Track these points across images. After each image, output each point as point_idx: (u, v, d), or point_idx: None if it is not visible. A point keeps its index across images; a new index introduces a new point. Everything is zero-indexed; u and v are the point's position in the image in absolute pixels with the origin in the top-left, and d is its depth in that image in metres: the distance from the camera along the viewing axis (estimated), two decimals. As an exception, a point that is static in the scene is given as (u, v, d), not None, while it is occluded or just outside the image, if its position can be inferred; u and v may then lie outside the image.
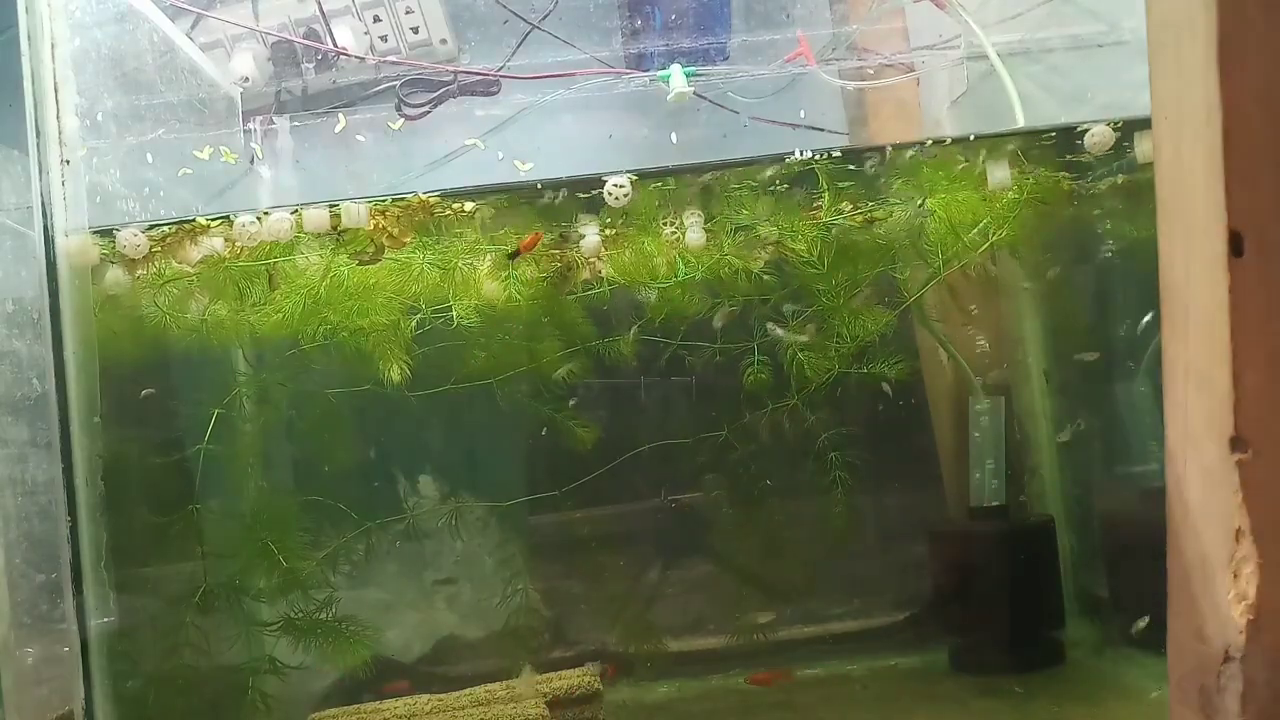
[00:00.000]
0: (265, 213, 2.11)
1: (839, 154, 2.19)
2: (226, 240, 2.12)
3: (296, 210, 2.11)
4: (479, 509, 2.58)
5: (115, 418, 1.99)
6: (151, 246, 2.09)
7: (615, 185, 2.12)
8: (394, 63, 2.58)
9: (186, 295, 2.20)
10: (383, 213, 2.12)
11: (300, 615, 2.35)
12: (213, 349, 2.33)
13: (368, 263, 2.23)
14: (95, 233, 2.01)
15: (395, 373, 2.31)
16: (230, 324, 2.26)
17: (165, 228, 2.11)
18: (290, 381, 2.45)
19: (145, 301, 2.17)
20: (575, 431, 2.52)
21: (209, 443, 2.31)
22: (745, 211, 2.31)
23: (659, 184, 2.24)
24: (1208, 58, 0.92)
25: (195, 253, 2.11)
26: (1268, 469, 0.92)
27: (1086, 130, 2.15)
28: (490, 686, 2.13)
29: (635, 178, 2.15)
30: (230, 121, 2.52)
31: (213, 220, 2.11)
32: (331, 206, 2.11)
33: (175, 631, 2.24)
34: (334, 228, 2.14)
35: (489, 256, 2.28)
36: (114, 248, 2.06)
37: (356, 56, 2.56)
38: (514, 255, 2.24)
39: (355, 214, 2.10)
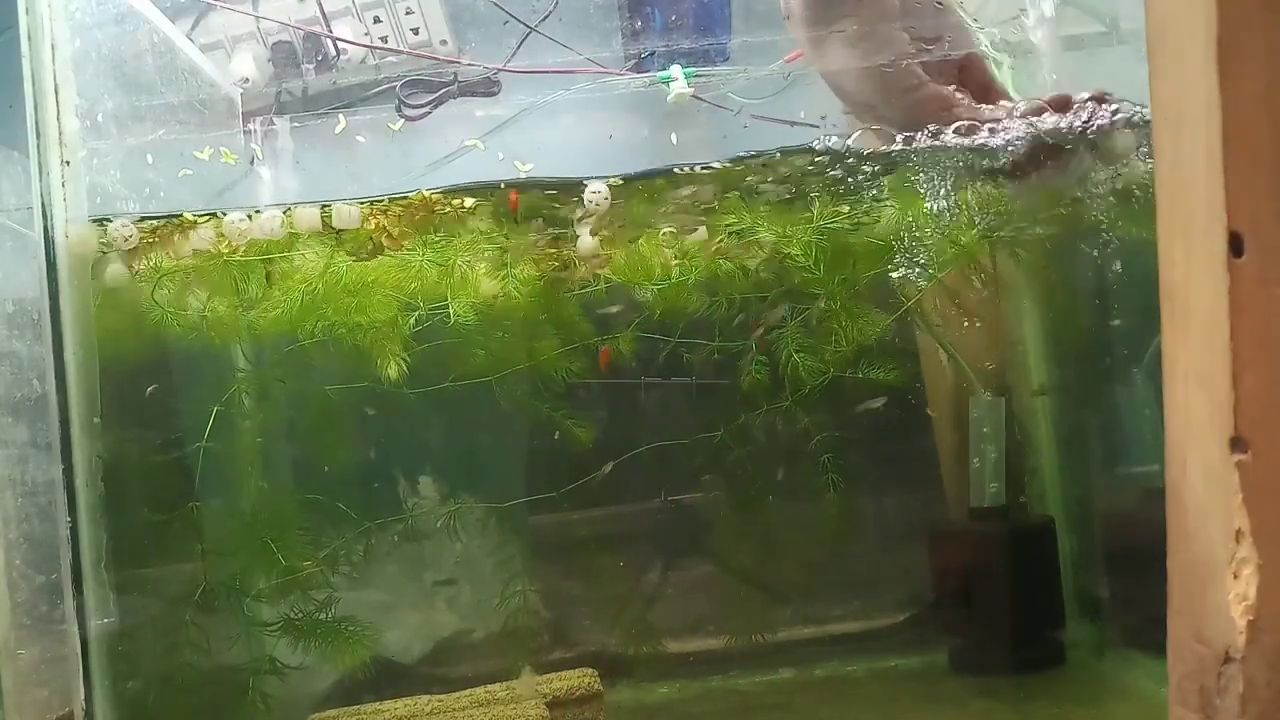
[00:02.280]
0: (256, 211, 2.10)
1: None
2: (220, 235, 2.11)
3: (288, 209, 2.10)
4: (479, 509, 2.58)
5: (115, 416, 1.99)
6: (145, 239, 2.08)
7: (594, 191, 2.12)
8: (395, 52, 2.58)
9: (183, 291, 2.20)
10: (384, 211, 2.12)
11: (300, 616, 2.35)
12: (211, 346, 2.33)
13: (365, 259, 2.22)
14: (93, 220, 2.00)
15: (392, 370, 2.31)
16: (229, 321, 2.26)
17: (155, 222, 2.10)
18: (289, 379, 2.45)
19: (143, 298, 2.16)
20: (574, 431, 2.52)
21: (208, 441, 2.31)
22: (731, 217, 2.31)
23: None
24: (1208, 57, 0.92)
25: (188, 247, 2.10)
26: (1268, 470, 0.92)
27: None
28: (490, 687, 2.13)
29: (621, 181, 2.14)
30: (230, 122, 2.52)
31: (200, 216, 2.10)
32: (324, 207, 2.11)
33: (175, 632, 2.24)
34: (325, 223, 2.13)
35: (486, 254, 2.28)
36: (108, 236, 2.05)
37: (394, 49, 2.56)
38: (512, 216, 2.22)
39: (346, 215, 2.09)
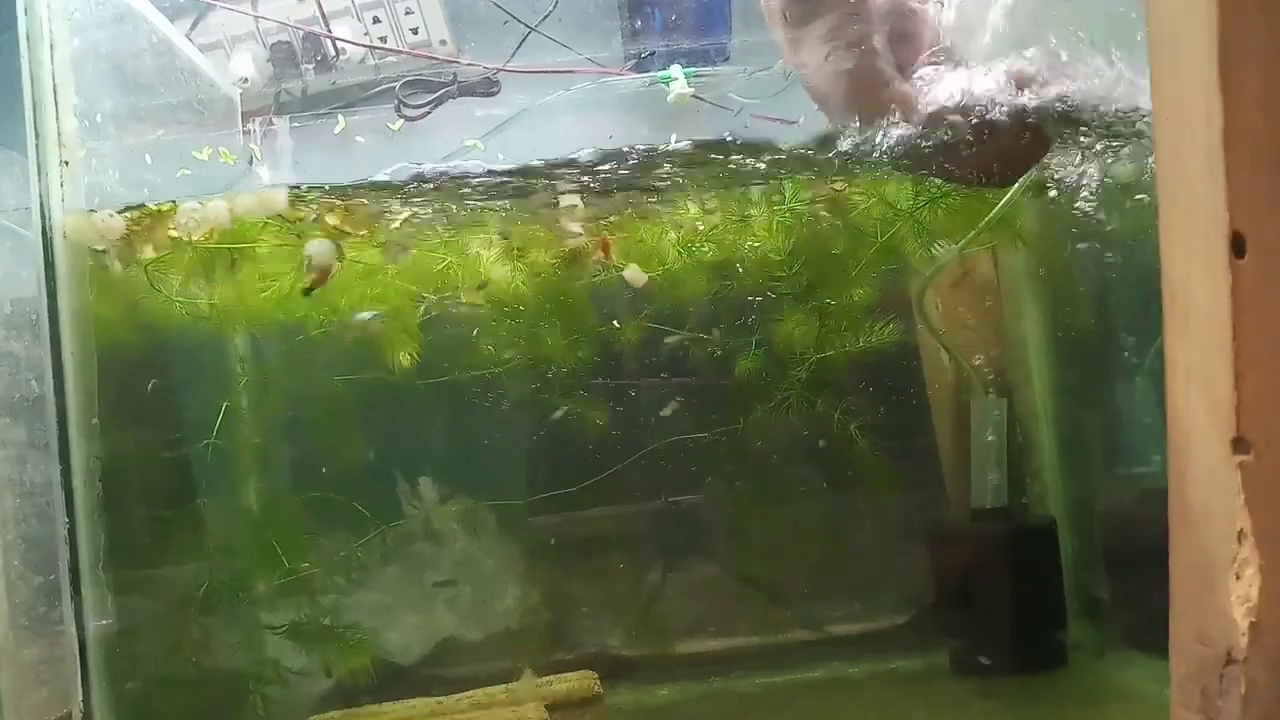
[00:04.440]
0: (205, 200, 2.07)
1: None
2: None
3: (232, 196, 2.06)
4: (498, 508, 2.58)
5: (113, 415, 1.98)
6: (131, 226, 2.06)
7: None
8: (394, 52, 2.58)
9: (184, 282, 2.18)
10: (330, 209, 2.07)
11: (306, 620, 2.35)
12: (213, 340, 2.32)
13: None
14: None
15: (405, 359, 2.30)
16: (236, 313, 2.25)
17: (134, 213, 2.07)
18: (294, 373, 2.44)
19: (135, 291, 2.15)
20: (590, 420, 2.51)
21: (213, 438, 2.30)
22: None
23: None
24: (1208, 58, 0.92)
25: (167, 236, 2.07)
26: (1270, 470, 0.92)
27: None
28: (490, 690, 2.12)
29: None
30: (229, 122, 2.52)
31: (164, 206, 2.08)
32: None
33: (174, 634, 2.23)
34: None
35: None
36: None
37: (394, 49, 2.56)
38: (309, 290, 2.08)
39: (270, 201, 2.03)
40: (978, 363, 2.60)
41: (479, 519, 2.59)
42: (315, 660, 2.36)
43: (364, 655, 2.34)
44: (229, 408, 2.38)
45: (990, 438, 2.52)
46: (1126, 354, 2.52)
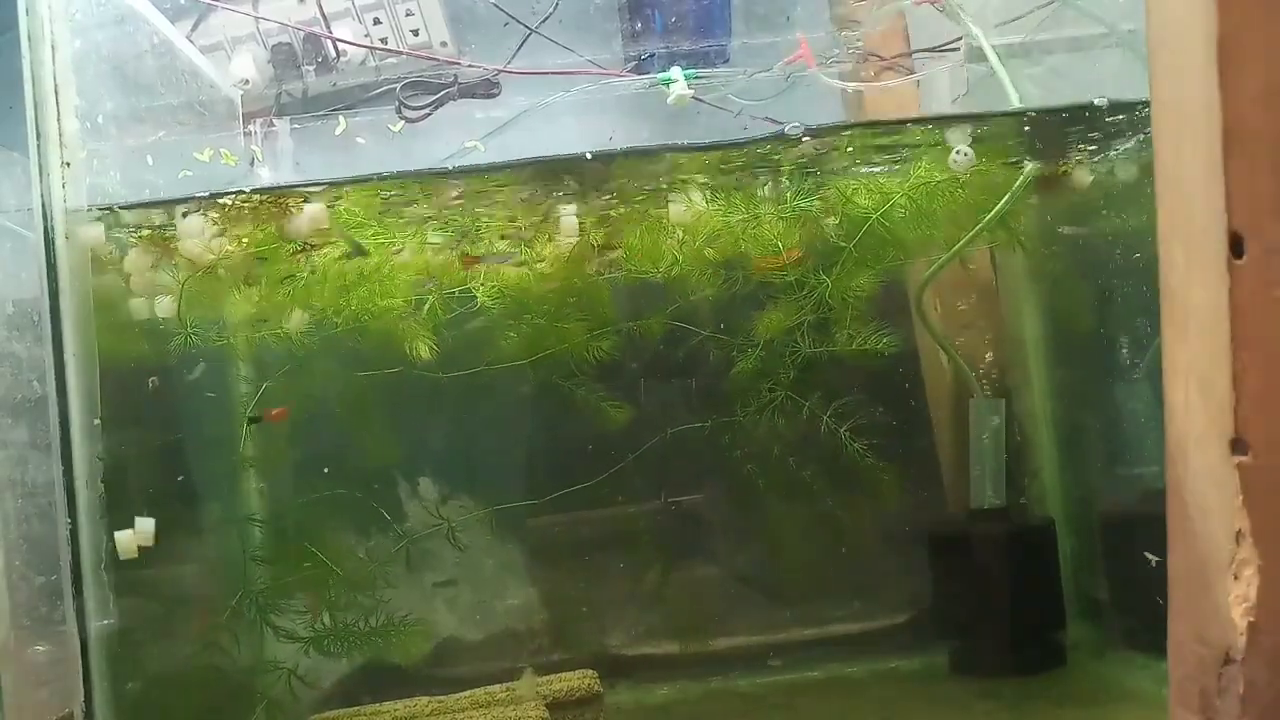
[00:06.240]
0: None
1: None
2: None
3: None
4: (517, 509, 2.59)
5: (115, 418, 1.99)
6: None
7: None
8: (397, 53, 2.59)
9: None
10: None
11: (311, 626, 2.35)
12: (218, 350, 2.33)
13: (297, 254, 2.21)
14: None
15: (424, 350, 2.30)
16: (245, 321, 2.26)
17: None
18: (289, 380, 2.45)
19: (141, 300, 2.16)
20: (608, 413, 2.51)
21: (209, 443, 2.30)
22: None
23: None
24: (1208, 58, 0.92)
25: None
26: (1268, 471, 0.92)
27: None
28: (490, 688, 2.12)
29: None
30: (230, 124, 2.52)
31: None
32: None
33: (175, 634, 2.24)
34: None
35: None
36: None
37: (394, 50, 2.56)
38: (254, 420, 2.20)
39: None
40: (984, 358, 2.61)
41: (508, 520, 2.60)
42: (317, 661, 2.36)
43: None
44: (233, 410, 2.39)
45: (988, 438, 2.52)
46: (1125, 354, 2.52)
